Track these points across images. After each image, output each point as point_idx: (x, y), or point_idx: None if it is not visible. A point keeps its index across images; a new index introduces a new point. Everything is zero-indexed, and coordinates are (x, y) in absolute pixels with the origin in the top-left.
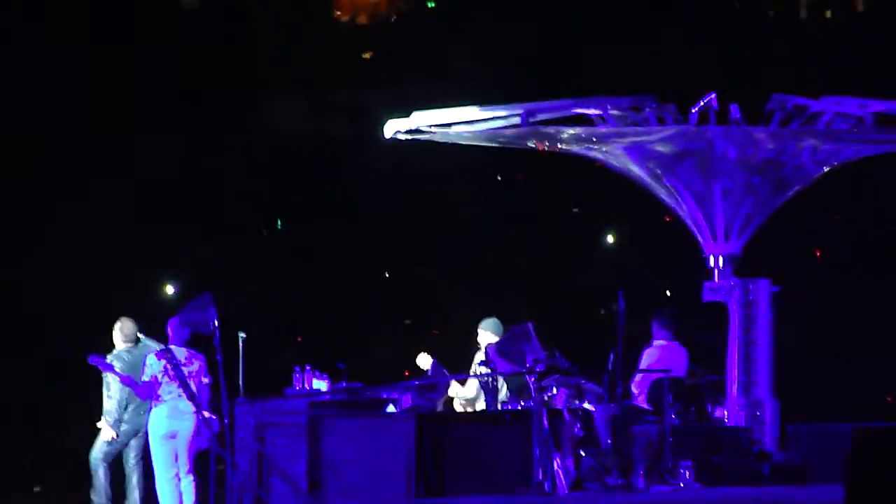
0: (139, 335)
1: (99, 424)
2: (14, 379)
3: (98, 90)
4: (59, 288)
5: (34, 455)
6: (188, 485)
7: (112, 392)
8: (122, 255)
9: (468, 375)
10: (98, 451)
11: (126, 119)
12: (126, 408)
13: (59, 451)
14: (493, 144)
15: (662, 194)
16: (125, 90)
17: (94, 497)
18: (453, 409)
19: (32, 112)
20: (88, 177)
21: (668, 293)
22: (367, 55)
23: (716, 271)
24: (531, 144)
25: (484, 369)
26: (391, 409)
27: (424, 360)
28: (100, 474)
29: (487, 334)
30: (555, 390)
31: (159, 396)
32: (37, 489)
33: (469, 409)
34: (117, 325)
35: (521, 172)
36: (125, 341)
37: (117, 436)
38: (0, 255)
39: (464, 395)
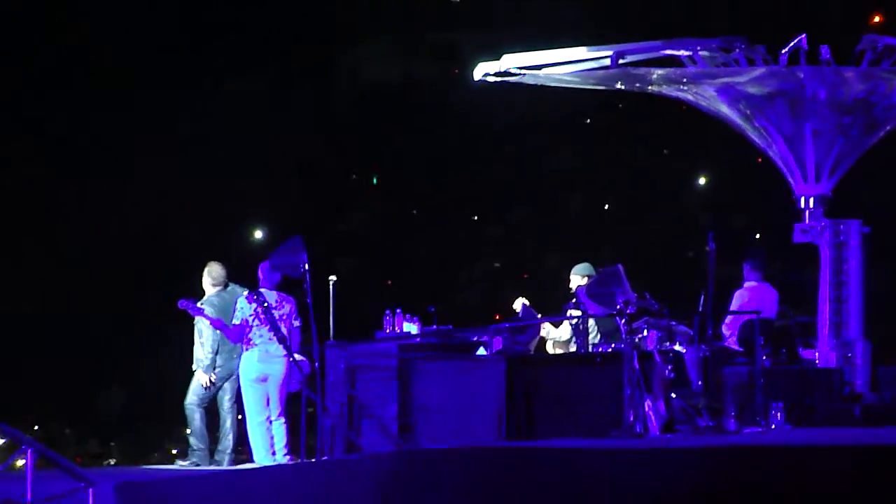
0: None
1: (196, 373)
2: (112, 327)
3: (182, 38)
4: (151, 236)
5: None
6: (279, 428)
7: (204, 338)
8: (213, 201)
9: (560, 317)
10: (193, 395)
11: (214, 66)
12: (217, 352)
13: (155, 396)
14: (582, 87)
15: (753, 135)
16: (212, 37)
17: (192, 441)
18: (546, 352)
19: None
20: (177, 123)
21: (758, 235)
22: None
23: (806, 212)
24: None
25: (575, 312)
26: (481, 351)
27: (520, 304)
28: (196, 419)
29: (579, 279)
30: (645, 332)
31: (250, 340)
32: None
33: (561, 351)
34: (206, 270)
35: (620, 102)
36: (214, 285)
37: (212, 381)
38: (92, 207)
39: (557, 336)
